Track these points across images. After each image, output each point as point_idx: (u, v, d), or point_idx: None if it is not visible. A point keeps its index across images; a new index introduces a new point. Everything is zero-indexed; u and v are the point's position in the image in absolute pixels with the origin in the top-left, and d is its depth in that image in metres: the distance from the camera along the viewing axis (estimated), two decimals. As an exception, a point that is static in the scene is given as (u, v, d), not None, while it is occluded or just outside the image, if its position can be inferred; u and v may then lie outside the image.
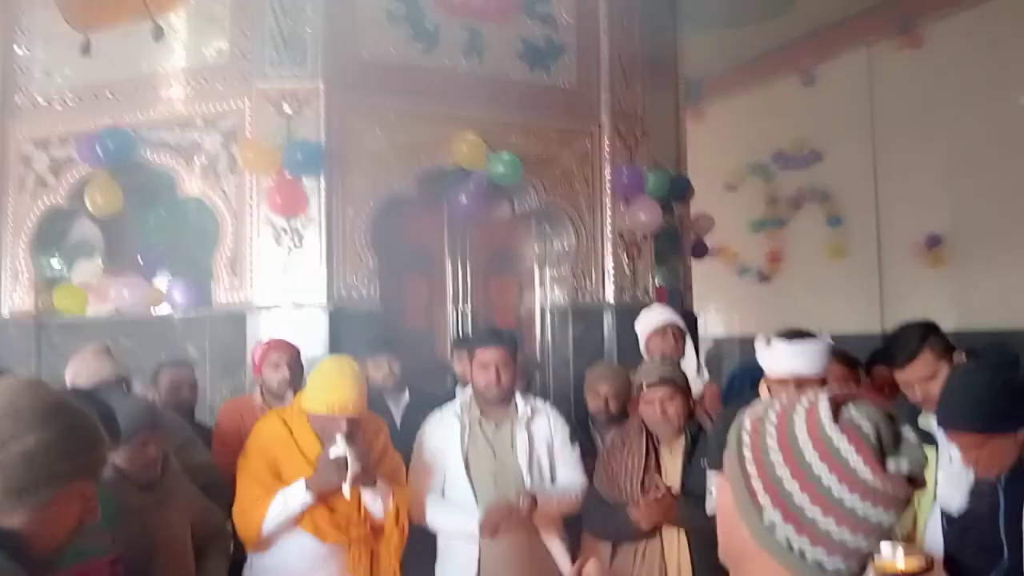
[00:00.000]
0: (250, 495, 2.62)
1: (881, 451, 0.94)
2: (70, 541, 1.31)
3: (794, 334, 2.49)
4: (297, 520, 2.62)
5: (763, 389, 2.61)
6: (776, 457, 0.97)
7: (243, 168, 4.09)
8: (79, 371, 2.87)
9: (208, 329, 4.12)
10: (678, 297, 5.42)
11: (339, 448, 2.54)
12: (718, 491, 1.06)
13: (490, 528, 2.72)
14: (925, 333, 2.32)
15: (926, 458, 0.97)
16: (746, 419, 1.03)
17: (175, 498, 2.42)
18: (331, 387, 2.64)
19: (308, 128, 4.09)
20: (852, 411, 0.97)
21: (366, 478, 2.61)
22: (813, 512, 0.94)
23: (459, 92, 4.47)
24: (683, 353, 3.52)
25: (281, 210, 4.00)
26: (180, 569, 2.32)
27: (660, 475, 2.80)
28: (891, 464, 0.94)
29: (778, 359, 2.45)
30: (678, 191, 5.31)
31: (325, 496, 2.62)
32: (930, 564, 2.11)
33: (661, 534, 2.71)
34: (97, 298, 4.47)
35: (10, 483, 1.18)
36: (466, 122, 4.43)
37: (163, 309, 4.40)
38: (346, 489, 2.55)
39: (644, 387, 2.87)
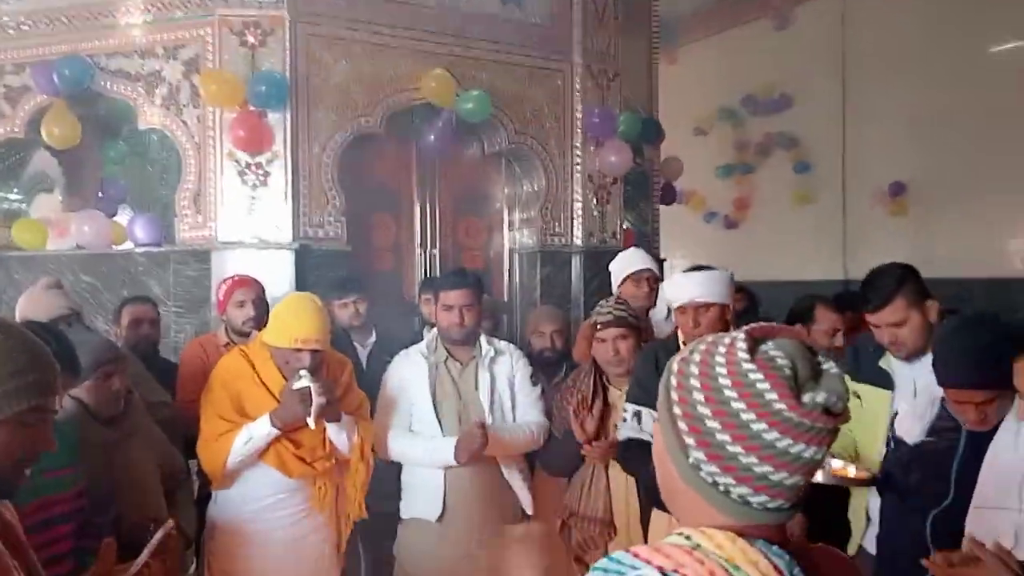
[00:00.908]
0: (215, 430, 2.62)
1: (796, 384, 0.95)
2: (22, 474, 1.29)
3: (695, 268, 2.68)
4: (262, 455, 2.63)
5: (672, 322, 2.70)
6: (698, 396, 0.97)
7: (205, 100, 3.98)
8: (30, 306, 2.83)
9: (171, 266, 4.06)
10: (646, 241, 5.45)
11: (303, 381, 2.55)
12: (654, 432, 1.08)
13: (464, 453, 2.76)
14: (902, 278, 2.30)
15: (847, 391, 0.98)
16: (674, 361, 1.04)
17: (140, 434, 2.42)
18: (294, 321, 2.63)
19: (273, 59, 3.98)
20: (769, 346, 0.98)
21: (331, 411, 2.62)
22: (734, 448, 0.95)
23: (429, 25, 4.37)
24: (655, 302, 3.55)
25: (245, 146, 3.92)
26: (148, 506, 2.31)
27: (609, 413, 2.86)
28: (807, 397, 0.94)
29: (678, 288, 2.59)
30: (649, 134, 5.29)
31: (290, 430, 2.63)
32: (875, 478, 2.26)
33: (607, 469, 2.79)
34: (57, 233, 4.37)
35: None
36: (436, 57, 4.35)
37: (125, 245, 4.31)
38: (311, 421, 2.56)
39: (598, 326, 2.92)
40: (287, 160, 3.98)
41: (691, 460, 0.98)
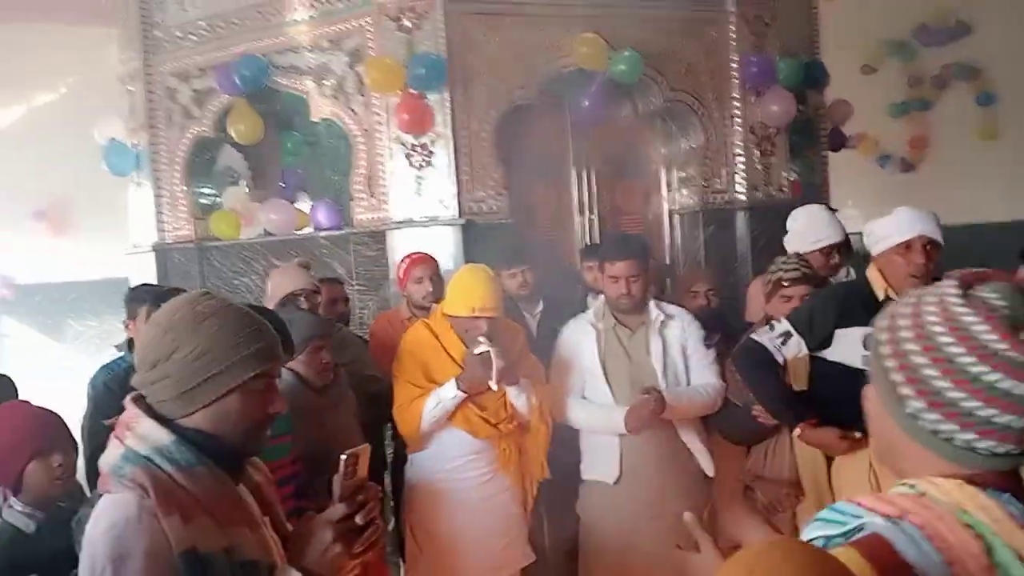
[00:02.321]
0: (407, 395, 2.83)
1: (1014, 324, 0.91)
2: (260, 435, 1.42)
3: None
4: (451, 417, 2.82)
5: (874, 271, 2.58)
6: (911, 346, 0.96)
7: (369, 88, 4.18)
8: (279, 282, 3.12)
9: (351, 247, 4.33)
10: (814, 191, 5.20)
11: (483, 346, 2.71)
12: (866, 396, 1.06)
13: (635, 422, 2.80)
14: None
15: None
16: (882, 318, 1.03)
17: (346, 401, 2.66)
18: (469, 290, 2.80)
19: (429, 41, 4.11)
20: (981, 290, 0.95)
21: (510, 374, 2.76)
22: (954, 394, 0.93)
23: (575, -11, 4.35)
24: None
25: (409, 127, 4.09)
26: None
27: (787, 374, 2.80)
28: None
29: (904, 224, 2.48)
30: (812, 78, 5.02)
31: (474, 393, 2.80)
32: None
33: (791, 431, 2.73)
34: (246, 222, 4.76)
35: (180, 387, 1.32)
36: (585, 20, 4.32)
37: (306, 229, 4.63)
38: (492, 383, 2.71)
39: (783, 283, 2.86)
40: (449, 139, 4.11)
41: (909, 411, 0.97)
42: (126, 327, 2.97)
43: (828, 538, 0.98)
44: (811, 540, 0.99)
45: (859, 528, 0.95)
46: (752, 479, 3.04)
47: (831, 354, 2.65)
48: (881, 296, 2.54)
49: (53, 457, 2.07)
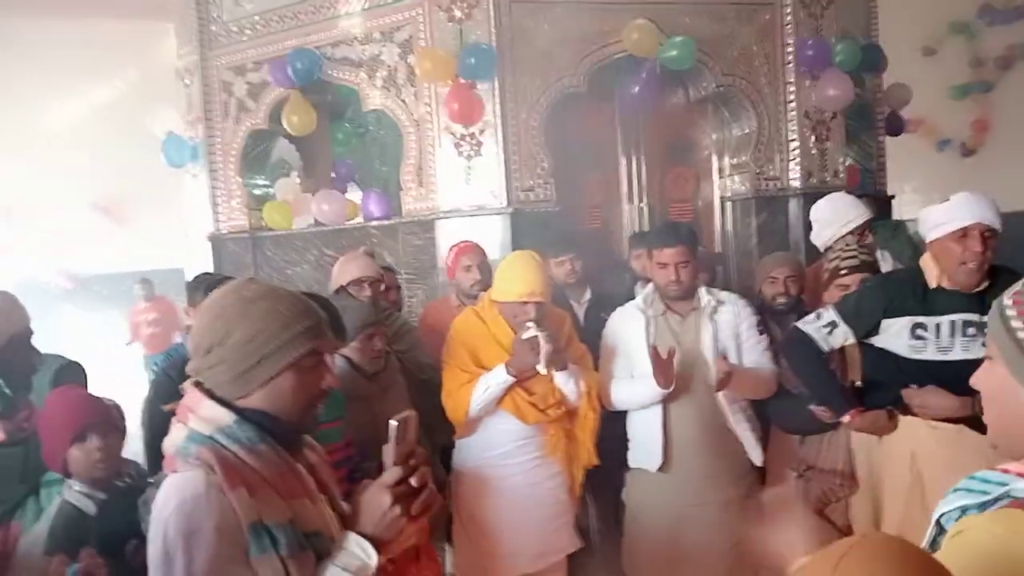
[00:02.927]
0: (457, 380, 2.86)
1: None
2: (314, 411, 1.47)
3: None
4: (500, 402, 2.84)
5: (928, 259, 2.52)
6: None
7: (420, 79, 4.20)
8: (344, 269, 3.17)
9: (400, 236, 4.37)
10: (871, 178, 5.08)
11: (531, 331, 2.72)
12: (983, 376, 1.09)
13: (663, 373, 2.76)
14: None
15: None
16: (1004, 297, 1.06)
17: (396, 387, 2.70)
18: (516, 276, 2.82)
19: (479, 31, 4.12)
20: None
21: (558, 358, 2.76)
22: None
23: (626, -24, 4.31)
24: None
25: (459, 118, 4.10)
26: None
27: (846, 365, 2.76)
28: None
29: (961, 209, 2.40)
30: (870, 61, 4.88)
31: (523, 378, 2.82)
32: None
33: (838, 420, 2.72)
34: (297, 212, 4.84)
35: (235, 370, 1.37)
36: (635, 7, 4.28)
37: (357, 219, 4.69)
38: (541, 368, 2.72)
39: (842, 271, 2.83)
40: (497, 128, 4.12)
41: None
42: (186, 314, 3.05)
43: (964, 509, 1.00)
44: (949, 511, 1.02)
45: (1004, 496, 0.97)
46: (805, 469, 3.00)
47: (878, 341, 2.61)
48: (933, 284, 2.49)
49: (90, 440, 2.11)
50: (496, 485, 2.88)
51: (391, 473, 1.40)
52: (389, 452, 1.41)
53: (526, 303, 2.77)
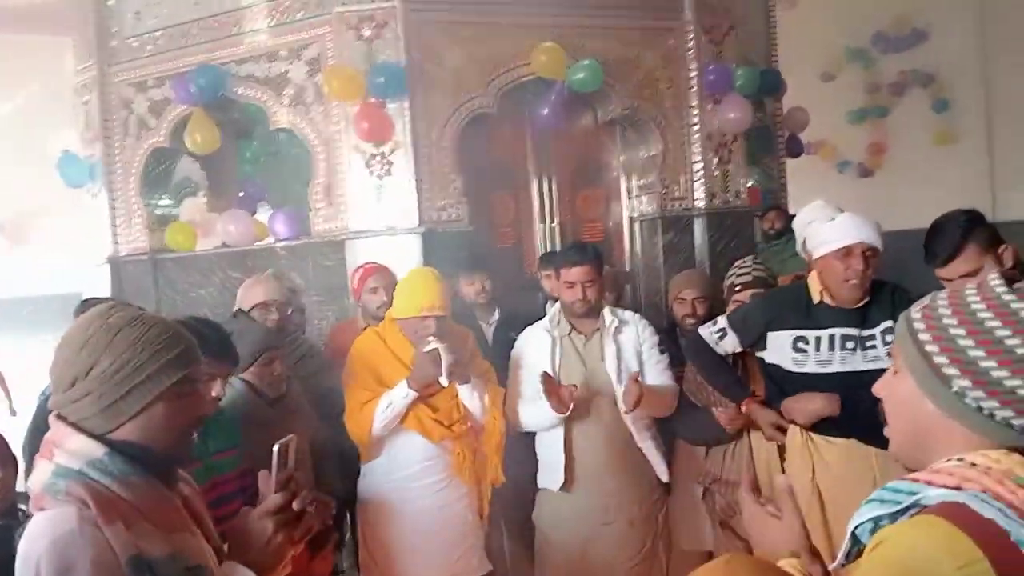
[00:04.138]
0: (358, 399, 2.82)
1: None
2: (189, 440, 1.43)
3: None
4: (404, 420, 2.81)
5: (813, 275, 2.63)
6: (956, 331, 1.03)
7: (328, 97, 4.16)
8: (250, 292, 3.11)
9: (310, 257, 4.30)
10: (772, 197, 5.27)
11: (432, 344, 2.72)
12: (884, 387, 1.13)
13: (555, 398, 2.79)
14: (969, 226, 2.20)
15: None
16: (913, 312, 1.10)
17: (299, 412, 2.64)
18: (415, 291, 2.83)
19: (388, 50, 4.10)
20: (1022, 284, 1.04)
21: (460, 370, 2.76)
22: (999, 373, 1.00)
23: (534, -1, 4.37)
24: None
25: (368, 136, 4.07)
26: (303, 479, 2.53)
27: (751, 378, 2.86)
28: None
29: (844, 229, 2.49)
30: (769, 86, 5.09)
31: (426, 394, 2.80)
32: None
33: (749, 434, 2.81)
34: (204, 233, 4.70)
35: (102, 402, 1.32)
36: (543, 30, 4.34)
37: (266, 240, 4.59)
38: (443, 379, 2.71)
39: (736, 287, 2.92)
40: (408, 147, 4.10)
41: (955, 389, 1.03)
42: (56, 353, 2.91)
43: (876, 520, 1.03)
44: (863, 522, 1.04)
45: (914, 504, 1.00)
46: (711, 482, 3.07)
47: (767, 356, 2.72)
48: (816, 300, 2.60)
49: None
50: (403, 509, 2.85)
51: (273, 500, 1.39)
52: (271, 478, 1.40)
53: (426, 318, 2.77)
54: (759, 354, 2.75)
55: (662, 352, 3.06)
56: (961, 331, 1.03)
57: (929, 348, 1.06)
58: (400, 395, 2.77)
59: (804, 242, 2.75)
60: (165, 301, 4.53)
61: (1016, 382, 0.99)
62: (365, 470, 2.94)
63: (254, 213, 5.04)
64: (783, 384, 2.65)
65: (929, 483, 1.00)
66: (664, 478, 3.04)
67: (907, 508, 1.00)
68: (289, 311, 3.22)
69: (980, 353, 1.01)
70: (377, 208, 4.13)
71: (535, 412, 2.95)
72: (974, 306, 1.04)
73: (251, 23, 4.41)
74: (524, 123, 4.64)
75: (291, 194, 4.89)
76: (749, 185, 4.95)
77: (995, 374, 1.00)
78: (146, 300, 4.49)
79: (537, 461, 3.08)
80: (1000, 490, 0.97)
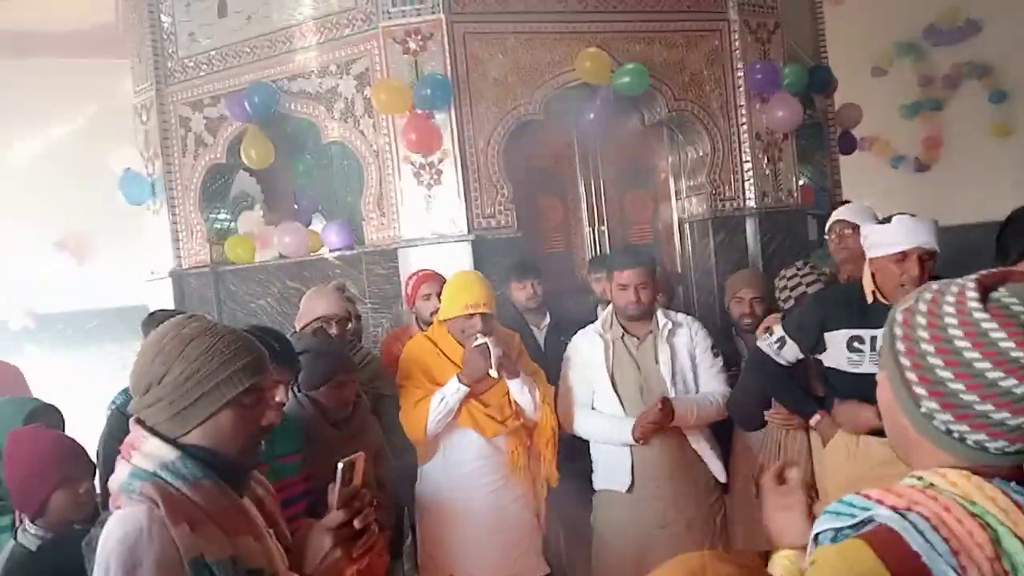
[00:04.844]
0: (412, 398, 2.89)
1: None
2: (257, 447, 1.48)
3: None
4: (457, 417, 2.86)
5: (868, 278, 2.55)
6: (928, 347, 0.97)
7: (377, 110, 4.24)
8: (312, 305, 3.15)
9: (363, 266, 4.38)
10: (826, 196, 5.20)
11: (480, 339, 2.78)
12: (879, 386, 1.08)
13: (643, 432, 2.82)
14: None
15: None
16: (897, 312, 1.04)
17: (364, 434, 2.68)
18: (461, 291, 2.90)
19: (434, 62, 4.17)
20: (1001, 292, 0.95)
21: (509, 364, 2.81)
22: (969, 397, 0.94)
23: (578, 5, 4.40)
24: None
25: (416, 147, 4.14)
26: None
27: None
28: None
29: (901, 233, 2.42)
30: (818, 83, 5.03)
31: (477, 391, 2.86)
32: None
33: (807, 429, 2.78)
34: (261, 245, 4.83)
35: (173, 408, 1.38)
36: (588, 36, 4.37)
37: (321, 251, 4.70)
38: (493, 371, 2.77)
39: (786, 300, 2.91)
40: (456, 157, 4.16)
41: (923, 410, 0.99)
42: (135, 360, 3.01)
43: (837, 530, 1.00)
44: (822, 532, 1.02)
45: (869, 520, 0.98)
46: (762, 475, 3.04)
47: (826, 359, 2.66)
48: (870, 300, 2.54)
49: (81, 484, 2.11)
50: (461, 509, 2.89)
51: (334, 516, 1.42)
52: (334, 493, 1.43)
53: (472, 316, 2.83)
54: (818, 356, 2.69)
55: (715, 355, 3.04)
56: (931, 348, 0.97)
57: (903, 361, 1.00)
58: (452, 390, 2.82)
59: (864, 239, 2.66)
60: (226, 311, 4.66)
61: (987, 407, 0.93)
62: (422, 473, 2.99)
63: (309, 225, 5.15)
64: (840, 385, 2.61)
65: (880, 502, 0.96)
66: (721, 478, 3.02)
67: (863, 522, 0.97)
68: (349, 326, 3.27)
69: (948, 375, 0.95)
70: (427, 217, 4.20)
71: (602, 427, 2.99)
72: (947, 319, 0.96)
73: (301, 40, 4.53)
74: (571, 128, 4.66)
75: (343, 205, 4.99)
76: (801, 183, 4.89)
77: (965, 397, 0.95)
78: (208, 311, 4.63)
79: (592, 463, 3.09)
80: (946, 517, 0.92)
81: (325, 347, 2.67)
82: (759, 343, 2.76)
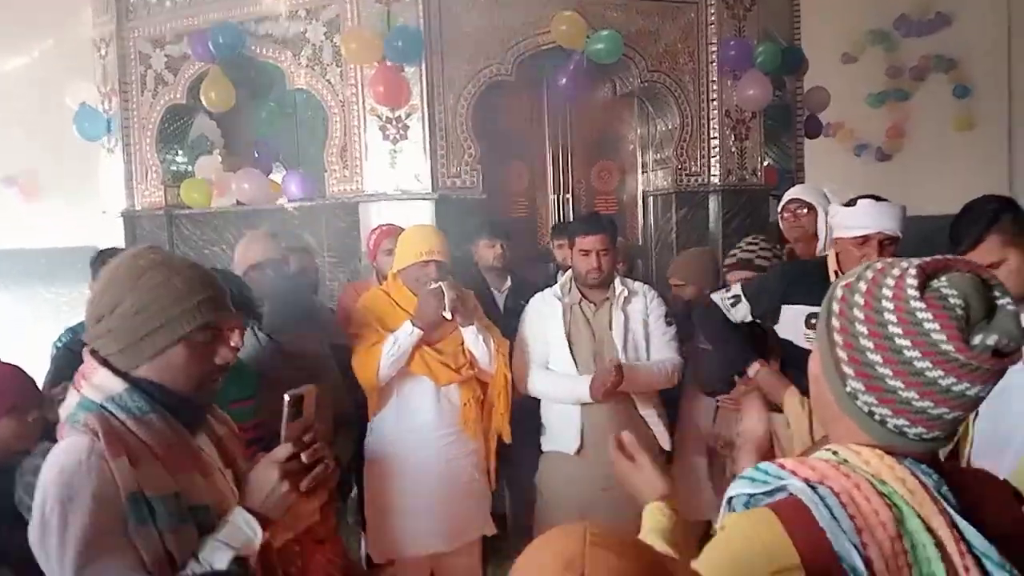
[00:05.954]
0: (365, 343, 2.86)
1: (967, 325, 0.92)
2: (210, 386, 1.44)
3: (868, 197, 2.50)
4: (410, 363, 2.84)
5: (832, 257, 2.59)
6: (861, 328, 0.98)
7: (346, 59, 4.15)
8: (247, 250, 3.10)
9: (323, 218, 4.31)
10: (789, 178, 5.24)
11: (434, 285, 2.77)
12: (811, 356, 1.09)
13: (598, 390, 2.84)
14: (995, 214, 2.07)
15: (1022, 329, 0.94)
16: (838, 287, 1.04)
17: (322, 377, 2.64)
18: (414, 240, 2.90)
19: (408, 14, 4.08)
20: (941, 282, 0.95)
21: (463, 309, 2.81)
22: (894, 383, 0.95)
23: (556, -32, 4.33)
24: None
25: (384, 100, 4.06)
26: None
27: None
28: (977, 338, 0.92)
29: (863, 216, 2.44)
30: (790, 64, 5.04)
31: (432, 339, 2.85)
32: None
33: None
34: (219, 191, 4.72)
35: (123, 341, 1.34)
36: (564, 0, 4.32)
37: (280, 200, 4.61)
38: (447, 313, 2.76)
39: (725, 266, 2.95)
40: (424, 113, 4.10)
41: (848, 389, 1.00)
42: (90, 290, 2.94)
43: (751, 496, 1.01)
44: (736, 495, 1.03)
45: (781, 488, 0.99)
46: (722, 444, 3.10)
47: (780, 330, 2.70)
48: (833, 279, 2.58)
49: (29, 413, 2.05)
50: (409, 461, 2.88)
51: (281, 449, 1.39)
52: (283, 426, 1.40)
53: (427, 263, 2.82)
54: (775, 328, 2.73)
55: (668, 324, 3.06)
56: (864, 330, 0.97)
57: (836, 338, 1.01)
58: (405, 332, 2.80)
59: (831, 218, 2.67)
60: (179, 255, 4.55)
61: (911, 394, 0.94)
62: (372, 425, 2.97)
63: (269, 173, 5.05)
64: (794, 360, 2.64)
65: (794, 472, 0.98)
66: (666, 446, 3.06)
67: (776, 490, 0.99)
68: (285, 270, 3.20)
69: (878, 359, 0.96)
70: (391, 172, 4.14)
71: (557, 385, 2.99)
72: (884, 303, 0.96)
73: (271, -19, 4.39)
74: (541, 93, 4.62)
75: (306, 155, 4.90)
76: (766, 164, 4.92)
77: (891, 383, 0.95)
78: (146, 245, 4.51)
79: (541, 426, 3.11)
80: (855, 494, 0.94)
81: (289, 290, 2.65)
82: (713, 296, 2.80)
